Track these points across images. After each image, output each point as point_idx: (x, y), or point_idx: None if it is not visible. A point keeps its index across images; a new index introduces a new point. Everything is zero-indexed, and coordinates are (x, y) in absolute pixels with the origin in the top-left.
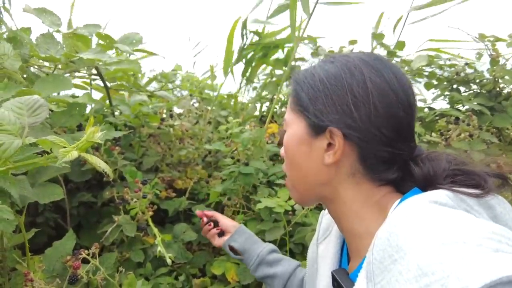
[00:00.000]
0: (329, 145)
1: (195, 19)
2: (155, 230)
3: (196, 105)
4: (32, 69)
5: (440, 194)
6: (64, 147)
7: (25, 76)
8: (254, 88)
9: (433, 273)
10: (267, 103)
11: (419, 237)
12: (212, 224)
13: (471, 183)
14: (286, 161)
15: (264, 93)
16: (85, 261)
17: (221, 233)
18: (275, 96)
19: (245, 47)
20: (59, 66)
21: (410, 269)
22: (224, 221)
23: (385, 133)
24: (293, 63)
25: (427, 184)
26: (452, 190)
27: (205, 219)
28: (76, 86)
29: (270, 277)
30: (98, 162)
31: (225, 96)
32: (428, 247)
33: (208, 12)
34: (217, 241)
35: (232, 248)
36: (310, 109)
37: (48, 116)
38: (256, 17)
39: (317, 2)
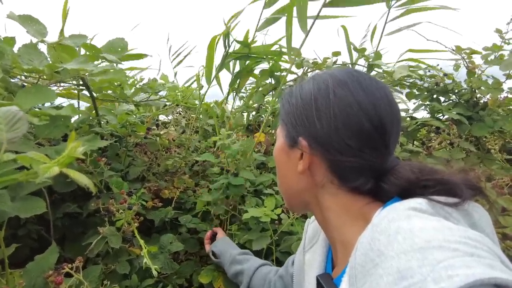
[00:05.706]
0: (302, 155)
1: (176, 26)
2: (141, 242)
3: (178, 114)
4: (16, 79)
5: (419, 202)
6: (45, 163)
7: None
8: (241, 98)
9: (411, 276)
10: (254, 112)
11: (399, 241)
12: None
13: (449, 192)
14: (276, 170)
15: (250, 102)
16: (69, 274)
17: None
18: (262, 105)
19: (227, 55)
20: (44, 77)
21: (390, 272)
22: (219, 234)
23: (349, 143)
24: (277, 73)
25: (406, 193)
26: (430, 199)
27: (208, 234)
28: (62, 95)
29: (239, 273)
30: (80, 178)
31: (212, 105)
32: (407, 251)
33: (189, 18)
34: (207, 248)
35: (213, 253)
36: (287, 122)
37: (31, 126)
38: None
39: (316, 18)
